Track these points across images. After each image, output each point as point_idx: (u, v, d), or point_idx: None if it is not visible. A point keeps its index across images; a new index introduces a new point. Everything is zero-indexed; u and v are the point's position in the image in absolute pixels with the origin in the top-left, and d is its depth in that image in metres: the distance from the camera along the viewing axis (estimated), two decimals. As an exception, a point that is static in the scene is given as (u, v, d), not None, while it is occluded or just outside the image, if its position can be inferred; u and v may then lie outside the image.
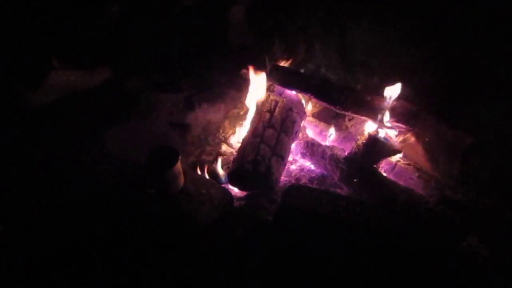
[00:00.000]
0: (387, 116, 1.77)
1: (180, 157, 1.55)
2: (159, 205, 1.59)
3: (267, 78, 2.10)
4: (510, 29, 1.75)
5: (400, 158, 1.91)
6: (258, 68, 2.15)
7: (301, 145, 1.90)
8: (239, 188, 1.73)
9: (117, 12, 3.15)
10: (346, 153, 1.80)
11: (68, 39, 2.71)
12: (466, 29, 1.90)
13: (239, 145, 1.84)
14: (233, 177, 1.70)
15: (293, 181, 1.83)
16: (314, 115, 2.17)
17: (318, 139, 2.02)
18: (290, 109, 1.90)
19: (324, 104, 1.98)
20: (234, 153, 1.86)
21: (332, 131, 1.99)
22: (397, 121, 1.79)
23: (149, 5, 3.15)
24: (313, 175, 1.85)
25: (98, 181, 1.83)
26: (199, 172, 1.81)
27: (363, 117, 1.89)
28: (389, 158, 1.82)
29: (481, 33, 1.87)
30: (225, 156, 1.87)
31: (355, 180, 1.69)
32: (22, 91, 2.26)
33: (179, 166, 1.56)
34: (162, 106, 2.27)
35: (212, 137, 2.01)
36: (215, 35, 2.94)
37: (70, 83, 2.37)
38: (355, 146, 1.75)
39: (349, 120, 2.07)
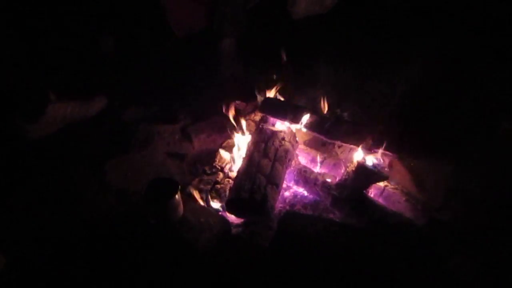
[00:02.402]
0: (373, 144, 1.88)
1: (179, 187, 1.62)
2: (160, 234, 1.65)
3: (259, 110, 2.21)
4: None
5: (388, 182, 2.01)
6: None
7: (294, 173, 1.99)
8: (236, 216, 1.80)
9: (112, 45, 3.27)
10: (337, 180, 1.90)
11: (65, 72, 2.80)
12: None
13: (235, 174, 1.93)
14: (230, 205, 1.78)
15: (287, 207, 1.91)
16: (305, 143, 2.27)
17: (310, 166, 2.11)
18: (283, 139, 2.00)
19: (314, 134, 2.09)
20: (231, 182, 1.94)
21: (322, 158, 2.09)
22: (383, 149, 1.90)
23: (143, 38, 3.27)
24: (307, 201, 1.94)
25: (99, 211, 1.89)
26: (198, 201, 1.88)
27: (351, 145, 1.99)
28: (377, 183, 1.92)
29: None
30: (222, 185, 1.94)
31: (346, 205, 1.77)
32: (20, 124, 2.32)
33: (178, 195, 1.63)
34: (159, 137, 2.34)
35: (209, 167, 2.08)
36: (207, 66, 3.07)
37: (67, 115, 2.44)
38: (345, 173, 1.85)
39: (339, 147, 2.17)
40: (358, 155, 1.93)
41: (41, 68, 2.51)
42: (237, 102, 2.48)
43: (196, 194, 1.89)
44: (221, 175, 2.01)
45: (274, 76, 2.56)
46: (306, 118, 2.06)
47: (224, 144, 2.23)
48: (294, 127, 2.14)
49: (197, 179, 2.00)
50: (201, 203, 1.86)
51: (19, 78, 2.28)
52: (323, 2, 2.82)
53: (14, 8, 2.36)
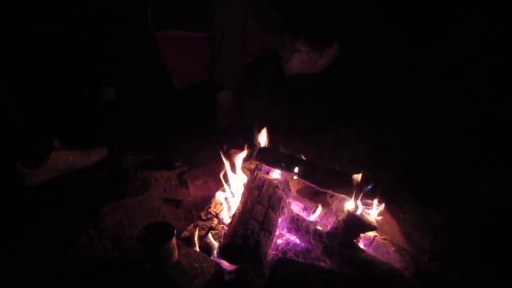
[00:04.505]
0: (363, 194, 1.96)
1: (175, 232, 1.67)
2: (153, 279, 1.67)
3: (254, 158, 2.31)
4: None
5: (378, 233, 2.06)
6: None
7: (287, 220, 2.04)
8: (230, 262, 1.83)
9: (113, 95, 3.42)
10: (328, 228, 1.95)
11: (68, 121, 2.92)
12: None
13: (229, 220, 1.98)
14: (224, 251, 1.81)
15: (280, 254, 1.94)
16: (298, 192, 2.34)
17: (302, 214, 2.17)
18: (277, 187, 2.08)
19: (307, 183, 2.17)
20: (225, 228, 1.99)
21: (319, 209, 2.16)
22: (373, 199, 1.98)
23: (143, 89, 3.44)
24: (299, 249, 1.97)
25: (93, 256, 1.91)
26: (193, 246, 1.91)
27: (342, 195, 2.07)
28: (367, 233, 1.98)
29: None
30: (216, 231, 1.99)
31: (336, 253, 1.82)
32: (21, 169, 2.38)
33: (174, 240, 1.68)
34: (156, 183, 2.41)
35: (204, 213, 2.13)
36: (204, 116, 3.20)
37: (68, 163, 2.52)
38: (336, 222, 1.91)
39: (330, 197, 2.24)
40: (349, 204, 2.01)
41: (46, 116, 2.61)
42: (233, 150, 2.57)
43: (191, 239, 1.93)
44: (215, 221, 2.06)
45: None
46: (299, 167, 2.15)
47: (219, 191, 2.29)
48: (288, 175, 2.22)
49: (192, 225, 2.04)
50: (196, 248, 1.90)
51: (25, 124, 2.36)
52: (316, 62, 3.04)
53: (20, 61, 2.50)
